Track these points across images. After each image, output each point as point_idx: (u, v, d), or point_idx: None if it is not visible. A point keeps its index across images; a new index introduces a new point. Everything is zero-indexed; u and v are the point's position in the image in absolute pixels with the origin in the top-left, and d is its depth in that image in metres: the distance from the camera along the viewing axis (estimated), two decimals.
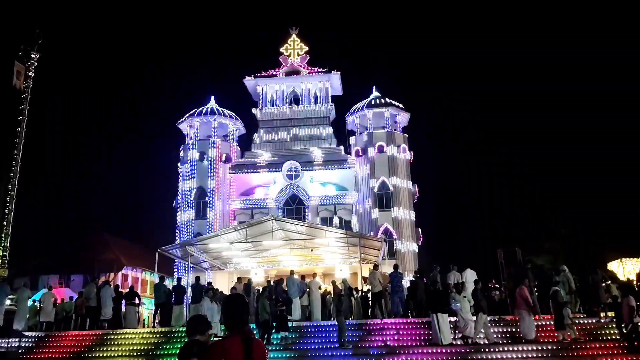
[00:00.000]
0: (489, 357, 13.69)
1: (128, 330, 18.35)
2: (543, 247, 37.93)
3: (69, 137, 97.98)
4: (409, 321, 17.29)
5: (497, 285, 22.58)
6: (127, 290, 21.95)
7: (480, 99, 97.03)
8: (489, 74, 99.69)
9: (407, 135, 36.24)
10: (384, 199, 33.46)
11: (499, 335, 15.77)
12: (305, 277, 21.59)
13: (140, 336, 17.83)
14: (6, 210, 33.66)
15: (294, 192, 34.91)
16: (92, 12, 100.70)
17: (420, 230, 34.62)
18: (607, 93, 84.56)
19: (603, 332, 15.73)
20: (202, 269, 29.07)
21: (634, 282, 22.45)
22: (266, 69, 39.70)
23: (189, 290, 21.10)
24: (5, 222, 33.53)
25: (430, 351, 14.09)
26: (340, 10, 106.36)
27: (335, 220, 33.84)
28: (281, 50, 39.91)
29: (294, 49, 39.96)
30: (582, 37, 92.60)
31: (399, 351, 14.34)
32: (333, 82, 39.39)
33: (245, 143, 38.20)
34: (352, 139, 36.55)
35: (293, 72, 39.14)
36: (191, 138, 36.58)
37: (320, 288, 20.49)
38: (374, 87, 37.77)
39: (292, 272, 20.29)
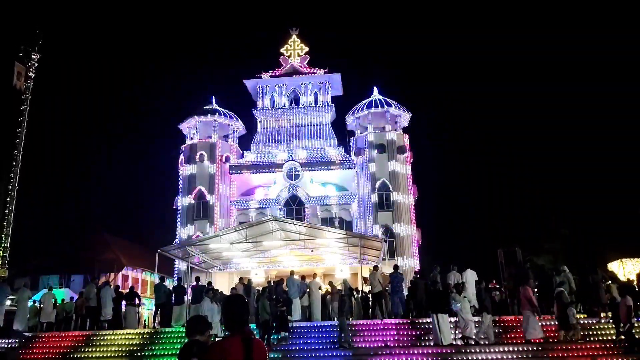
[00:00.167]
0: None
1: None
2: (543, 247, 37.91)
3: (69, 137, 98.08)
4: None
5: (497, 286, 22.59)
6: (127, 290, 21.96)
7: (480, 99, 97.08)
8: (489, 74, 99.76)
9: (407, 135, 36.24)
10: (384, 199, 33.46)
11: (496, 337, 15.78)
12: (305, 277, 21.61)
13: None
14: (6, 211, 33.65)
15: (294, 193, 34.90)
16: (92, 12, 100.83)
17: (420, 230, 34.61)
18: (607, 93, 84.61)
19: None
20: (202, 270, 29.06)
21: (634, 283, 22.45)
22: (266, 69, 39.74)
23: (189, 291, 21.11)
24: (5, 223, 33.51)
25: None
26: (340, 10, 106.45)
27: (335, 220, 33.85)
28: (281, 50, 39.93)
29: (294, 49, 39.98)
30: (582, 37, 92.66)
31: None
32: (333, 83, 39.40)
33: (245, 143, 38.27)
34: (352, 139, 36.56)
35: (293, 73, 39.15)
36: (191, 138, 36.60)
37: (320, 288, 20.51)
38: (375, 88, 37.79)
39: (292, 273, 20.31)
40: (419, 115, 63.87)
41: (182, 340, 17.08)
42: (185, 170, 35.67)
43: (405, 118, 36.84)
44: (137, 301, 20.67)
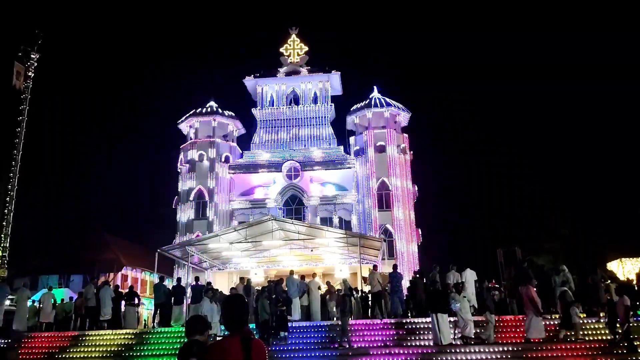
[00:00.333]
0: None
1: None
2: (543, 247, 37.91)
3: (69, 137, 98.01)
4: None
5: (496, 285, 22.59)
6: (127, 290, 21.94)
7: (480, 99, 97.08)
8: (489, 74, 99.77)
9: (407, 135, 36.25)
10: (384, 199, 33.48)
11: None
12: (305, 277, 21.61)
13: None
14: (6, 211, 33.62)
15: (293, 192, 34.91)
16: (92, 12, 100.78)
17: (420, 230, 34.63)
18: (607, 93, 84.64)
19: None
20: (201, 269, 29.06)
21: (634, 282, 22.45)
22: (266, 69, 39.72)
23: (189, 291, 21.10)
24: (5, 223, 33.48)
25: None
26: (340, 10, 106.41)
27: (335, 220, 33.85)
28: (281, 50, 39.92)
29: (294, 49, 39.97)
30: (582, 37, 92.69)
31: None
32: (333, 82, 39.40)
33: (245, 143, 38.29)
34: (352, 139, 36.59)
35: (293, 72, 39.15)
36: (191, 138, 36.61)
37: (320, 288, 20.50)
38: (375, 87, 37.83)
39: (291, 272, 20.30)
40: (419, 115, 64.01)
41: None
42: (185, 170, 35.67)
43: (404, 118, 36.86)
44: (136, 301, 20.65)
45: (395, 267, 20.08)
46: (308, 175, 35.00)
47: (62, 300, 23.67)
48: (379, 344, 15.52)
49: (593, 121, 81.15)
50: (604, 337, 14.94)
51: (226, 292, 20.30)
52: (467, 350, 13.94)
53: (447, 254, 46.08)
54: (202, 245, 24.53)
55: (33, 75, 36.67)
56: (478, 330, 15.50)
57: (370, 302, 20.27)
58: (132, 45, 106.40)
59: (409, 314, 19.13)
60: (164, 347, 16.67)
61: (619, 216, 50.29)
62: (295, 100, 39.32)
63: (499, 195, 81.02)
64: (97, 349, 16.80)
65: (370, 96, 37.22)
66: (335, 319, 18.28)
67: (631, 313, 13.78)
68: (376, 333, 16.44)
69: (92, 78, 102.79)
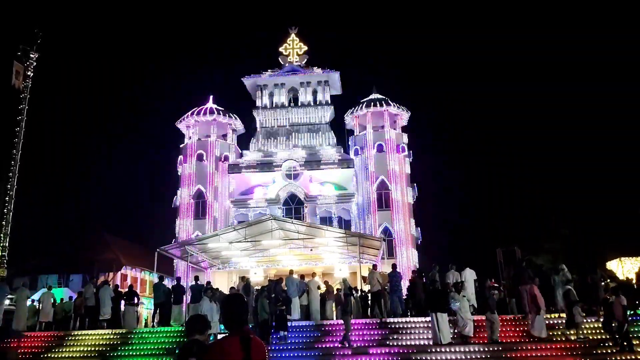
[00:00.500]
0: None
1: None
2: (543, 247, 37.86)
3: (69, 137, 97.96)
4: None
5: (496, 285, 22.58)
6: (127, 290, 21.93)
7: (480, 99, 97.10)
8: (489, 74, 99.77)
9: (406, 135, 36.22)
10: (383, 199, 33.46)
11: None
12: (304, 276, 21.60)
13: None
14: (5, 210, 33.61)
15: (293, 192, 34.89)
16: (92, 12, 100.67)
17: (420, 229, 34.62)
18: (607, 93, 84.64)
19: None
20: (201, 269, 29.05)
21: (633, 282, 22.45)
22: (266, 68, 39.68)
23: (188, 290, 21.09)
24: (4, 222, 33.47)
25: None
26: (340, 10, 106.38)
27: (335, 219, 33.84)
28: (280, 50, 39.87)
29: (294, 48, 39.92)
30: (582, 37, 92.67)
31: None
32: (332, 82, 39.36)
33: (244, 143, 38.22)
34: (351, 139, 36.54)
35: (292, 72, 39.10)
36: (190, 138, 36.56)
37: (319, 288, 20.49)
38: (374, 87, 37.79)
39: (291, 272, 20.29)
40: (418, 115, 63.97)
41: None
42: (184, 169, 35.64)
43: (404, 117, 36.82)
44: (136, 300, 20.64)
45: (394, 266, 20.07)
46: (307, 175, 34.97)
47: (62, 299, 23.66)
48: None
49: (593, 121, 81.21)
50: (603, 337, 14.95)
51: (226, 291, 20.30)
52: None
53: (447, 253, 46.13)
54: (201, 244, 24.54)
55: (32, 74, 36.65)
56: (487, 333, 15.42)
57: (369, 302, 20.28)
58: (132, 45, 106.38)
59: (409, 314, 19.14)
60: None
61: (618, 216, 50.36)
62: (294, 99, 39.29)
63: (499, 195, 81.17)
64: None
65: (370, 96, 37.20)
66: (334, 318, 18.30)
67: (628, 312, 13.79)
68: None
69: (92, 78, 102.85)
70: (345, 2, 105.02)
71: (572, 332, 14.97)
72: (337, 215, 34.30)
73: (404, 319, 17.48)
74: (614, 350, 13.65)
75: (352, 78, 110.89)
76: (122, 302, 20.37)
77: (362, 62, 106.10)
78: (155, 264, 21.84)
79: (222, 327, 14.81)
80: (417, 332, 16.41)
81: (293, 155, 35.62)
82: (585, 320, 15.65)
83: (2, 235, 33.14)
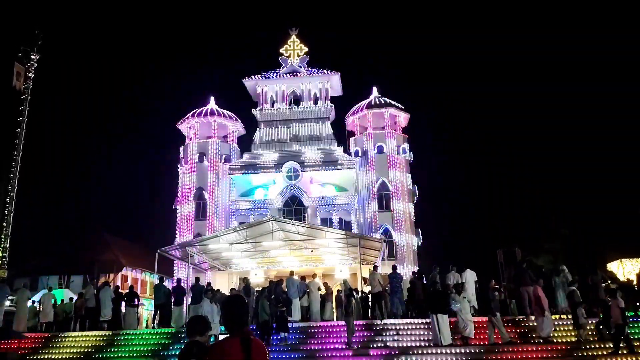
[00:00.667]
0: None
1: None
2: (543, 247, 37.87)
3: (69, 137, 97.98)
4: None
5: (496, 286, 22.59)
6: (127, 291, 21.93)
7: (480, 99, 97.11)
8: (489, 74, 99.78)
9: (407, 136, 36.23)
10: (384, 200, 33.46)
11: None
12: (305, 277, 21.60)
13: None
14: (6, 211, 33.62)
15: (293, 193, 34.90)
16: (92, 12, 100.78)
17: (420, 230, 34.62)
18: (607, 93, 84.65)
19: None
20: (201, 270, 29.05)
21: (634, 283, 22.44)
22: (266, 69, 39.69)
23: (189, 291, 21.09)
24: (4, 223, 33.47)
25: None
26: (340, 10, 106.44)
27: (335, 220, 33.83)
28: (281, 51, 39.89)
29: (294, 49, 39.94)
30: (582, 37, 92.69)
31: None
32: (333, 83, 39.37)
33: (245, 143, 38.22)
34: (351, 140, 36.54)
35: (293, 73, 39.13)
36: (191, 139, 36.57)
37: (319, 289, 20.49)
38: (374, 88, 37.79)
39: (291, 273, 20.30)
40: (419, 115, 64.07)
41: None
42: (185, 170, 35.66)
43: (404, 118, 36.84)
44: (136, 301, 20.64)
45: (394, 267, 20.06)
46: (308, 176, 34.98)
47: (62, 300, 23.68)
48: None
49: (593, 121, 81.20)
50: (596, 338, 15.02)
51: (226, 292, 20.30)
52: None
53: (447, 254, 46.10)
54: (202, 245, 24.54)
55: (33, 75, 36.67)
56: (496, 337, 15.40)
57: (370, 303, 20.27)
58: (132, 45, 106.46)
59: (409, 315, 19.13)
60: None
61: (619, 216, 50.37)
62: (295, 100, 39.31)
63: (499, 195, 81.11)
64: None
65: (370, 97, 37.22)
66: (334, 319, 18.30)
67: (629, 314, 13.78)
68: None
69: (92, 78, 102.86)
70: (345, 2, 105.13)
71: (580, 332, 15.00)
72: (338, 217, 34.29)
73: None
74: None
75: (352, 78, 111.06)
76: (123, 303, 20.38)
77: (362, 62, 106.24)
78: (156, 265, 21.85)
79: (223, 328, 14.80)
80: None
81: (293, 157, 35.63)
82: (588, 322, 15.66)
83: (2, 236, 33.14)
